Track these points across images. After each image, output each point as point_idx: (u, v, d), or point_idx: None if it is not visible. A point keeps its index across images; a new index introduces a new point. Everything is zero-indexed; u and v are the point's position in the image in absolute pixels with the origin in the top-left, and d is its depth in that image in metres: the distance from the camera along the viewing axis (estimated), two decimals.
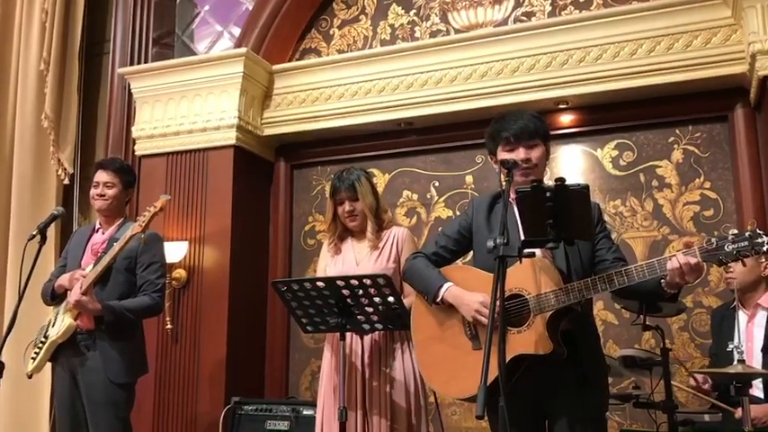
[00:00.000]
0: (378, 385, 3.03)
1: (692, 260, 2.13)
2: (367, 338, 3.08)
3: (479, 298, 2.32)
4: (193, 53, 5.38)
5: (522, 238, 2.22)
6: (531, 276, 2.28)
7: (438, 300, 2.43)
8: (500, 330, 1.96)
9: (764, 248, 2.08)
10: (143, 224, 3.20)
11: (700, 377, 3.32)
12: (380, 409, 3.01)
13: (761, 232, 2.10)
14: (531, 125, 2.43)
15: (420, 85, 4.54)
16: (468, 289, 2.38)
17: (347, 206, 3.21)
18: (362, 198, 3.20)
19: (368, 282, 2.76)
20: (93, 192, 3.46)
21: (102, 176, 3.44)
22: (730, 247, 2.11)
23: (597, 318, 4.02)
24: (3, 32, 5.54)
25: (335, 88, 4.75)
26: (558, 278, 2.26)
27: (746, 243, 2.09)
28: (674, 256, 2.15)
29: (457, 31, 4.74)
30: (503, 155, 2.43)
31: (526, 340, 2.24)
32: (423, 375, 2.50)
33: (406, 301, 2.87)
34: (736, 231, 2.14)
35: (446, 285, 2.42)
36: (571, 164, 4.45)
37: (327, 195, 3.32)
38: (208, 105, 4.80)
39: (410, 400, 3.05)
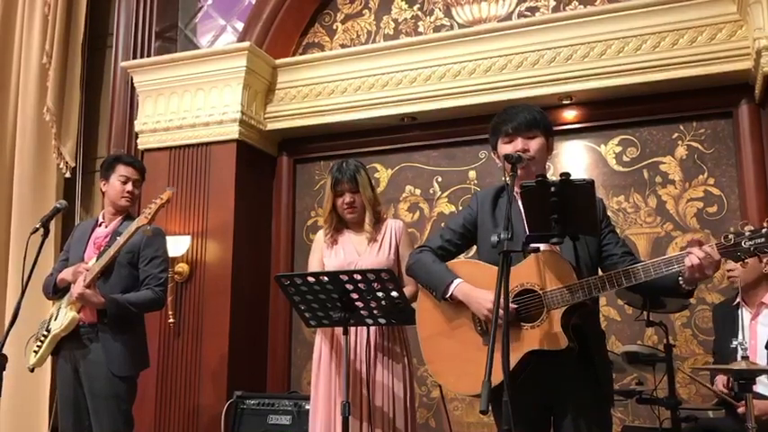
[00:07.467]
0: (371, 392, 3.03)
1: (713, 253, 2.09)
2: (363, 340, 3.07)
3: (491, 297, 2.27)
4: (196, 47, 5.38)
5: (527, 232, 2.21)
6: (543, 271, 2.24)
7: (447, 296, 2.39)
8: (504, 326, 1.94)
9: None
10: (149, 216, 3.19)
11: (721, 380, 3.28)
12: (374, 417, 3.01)
13: None
14: (530, 116, 2.40)
15: (423, 80, 4.53)
16: (475, 284, 2.35)
17: (347, 198, 3.21)
18: (363, 190, 3.21)
19: (371, 276, 2.75)
20: (120, 187, 3.42)
21: (132, 173, 3.44)
22: (747, 243, 2.07)
23: (600, 314, 4.02)
24: (5, 25, 5.53)
25: (338, 83, 4.74)
26: (571, 273, 2.22)
27: (764, 239, 2.05)
28: (691, 251, 2.10)
29: (460, 26, 4.73)
30: (502, 148, 2.42)
31: (541, 336, 2.21)
32: (430, 371, 2.48)
33: (405, 290, 2.87)
34: (752, 228, 2.08)
35: (456, 282, 2.38)
36: (574, 159, 4.43)
37: (327, 186, 3.30)
38: (211, 99, 4.79)
39: (406, 407, 3.05)
